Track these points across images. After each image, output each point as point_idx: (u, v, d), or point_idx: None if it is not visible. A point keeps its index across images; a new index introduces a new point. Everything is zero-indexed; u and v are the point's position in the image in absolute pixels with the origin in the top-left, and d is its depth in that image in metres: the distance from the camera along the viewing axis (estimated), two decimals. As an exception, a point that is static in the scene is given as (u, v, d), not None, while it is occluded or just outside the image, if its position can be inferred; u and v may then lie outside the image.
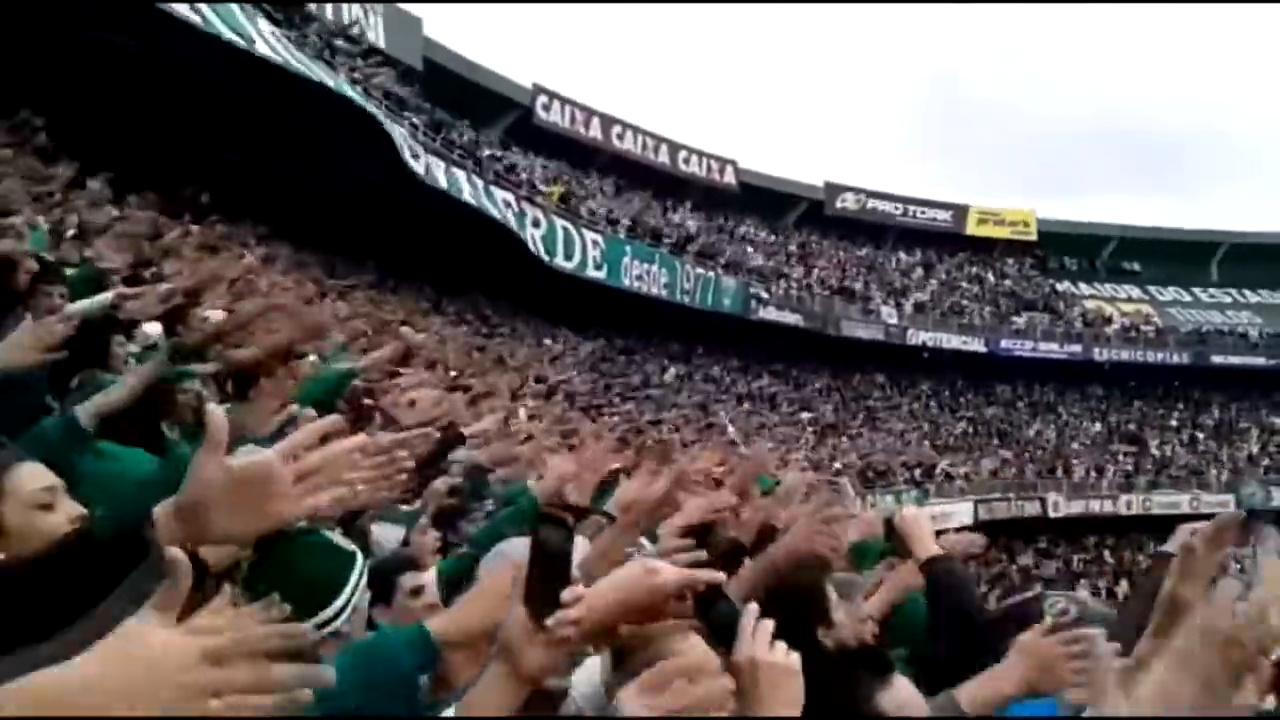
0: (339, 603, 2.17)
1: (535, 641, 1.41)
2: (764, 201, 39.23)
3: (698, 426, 23.10)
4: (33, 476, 1.86)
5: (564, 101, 33.45)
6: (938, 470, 31.63)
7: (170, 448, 2.86)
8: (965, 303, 39.87)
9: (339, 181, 19.84)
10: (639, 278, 29.66)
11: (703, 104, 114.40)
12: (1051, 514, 31.85)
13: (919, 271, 41.72)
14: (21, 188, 7.52)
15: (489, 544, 2.42)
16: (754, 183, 38.89)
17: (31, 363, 2.60)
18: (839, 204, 41.35)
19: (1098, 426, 38.10)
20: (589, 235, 28.34)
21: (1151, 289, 43.80)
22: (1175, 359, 39.36)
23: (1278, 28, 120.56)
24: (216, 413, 1.41)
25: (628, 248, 29.66)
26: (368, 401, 5.23)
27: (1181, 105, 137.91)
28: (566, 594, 1.40)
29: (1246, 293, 43.70)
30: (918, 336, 37.04)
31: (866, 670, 1.83)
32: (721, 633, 1.52)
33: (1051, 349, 38.89)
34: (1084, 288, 43.45)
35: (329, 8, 22.49)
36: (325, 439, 1.52)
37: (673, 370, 32.08)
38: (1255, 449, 36.59)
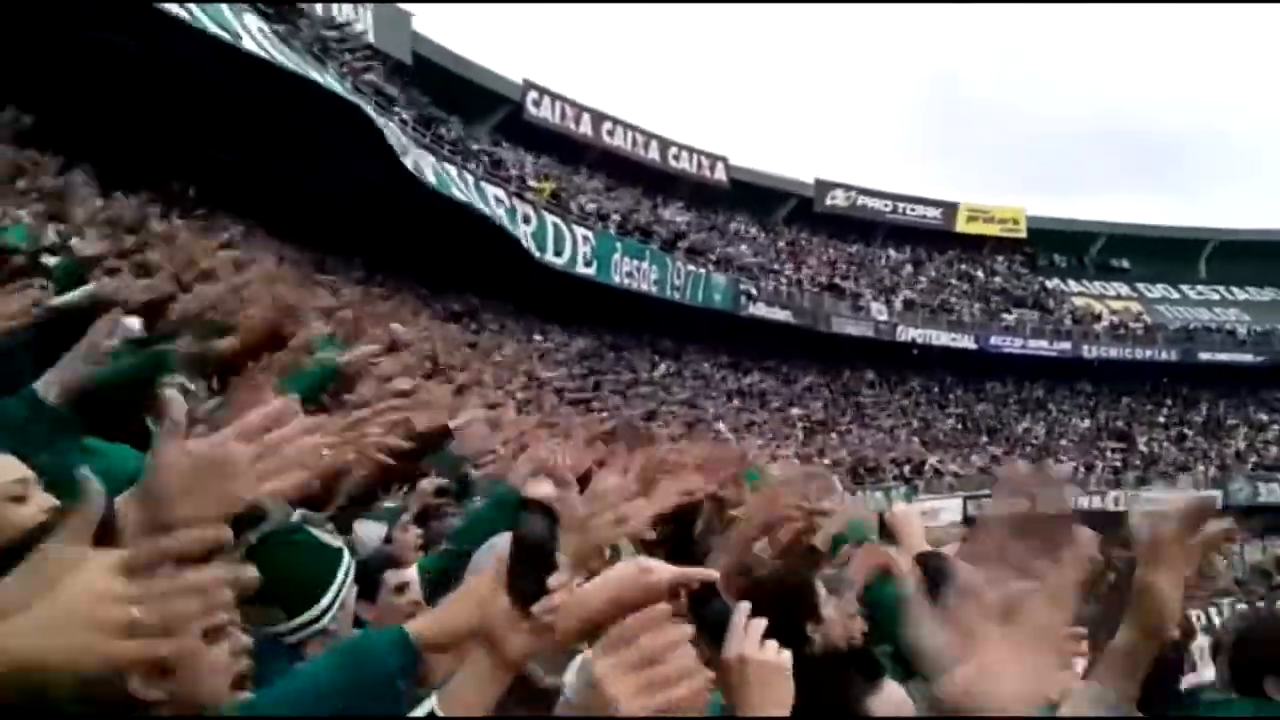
0: (326, 600, 2.16)
1: (519, 629, 1.41)
2: (754, 198, 39.26)
3: (686, 422, 23.08)
4: (3, 469, 1.84)
5: (554, 97, 33.40)
6: (927, 466, 31.70)
7: (155, 443, 2.83)
8: (955, 300, 39.95)
9: (328, 178, 19.77)
10: (629, 274, 29.66)
11: (693, 101, 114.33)
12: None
13: (909, 268, 41.79)
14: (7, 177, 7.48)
15: (469, 539, 2.40)
16: (744, 179, 38.91)
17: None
18: (829, 201, 41.40)
19: (1086, 423, 38.24)
20: (579, 231, 28.32)
21: (1140, 286, 43.95)
22: (1163, 356, 39.52)
23: (1278, 28, 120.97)
24: (175, 398, 1.40)
25: (618, 244, 29.65)
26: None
27: (1181, 105, 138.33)
28: (552, 580, 1.40)
29: (1234, 290, 43.88)
30: (907, 333, 37.12)
31: (856, 675, 1.83)
32: (714, 631, 1.52)
33: (1041, 346, 39.02)
34: (1073, 285, 43.58)
35: (318, 5, 22.37)
36: (281, 421, 1.51)
37: (663, 367, 32.08)
38: (1243, 445, 36.76)
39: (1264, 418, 38.54)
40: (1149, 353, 39.61)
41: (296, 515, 3.53)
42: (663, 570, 1.49)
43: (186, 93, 16.83)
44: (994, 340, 38.53)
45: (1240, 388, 39.41)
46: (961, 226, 43.36)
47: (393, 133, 20.74)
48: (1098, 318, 41.33)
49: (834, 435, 32.30)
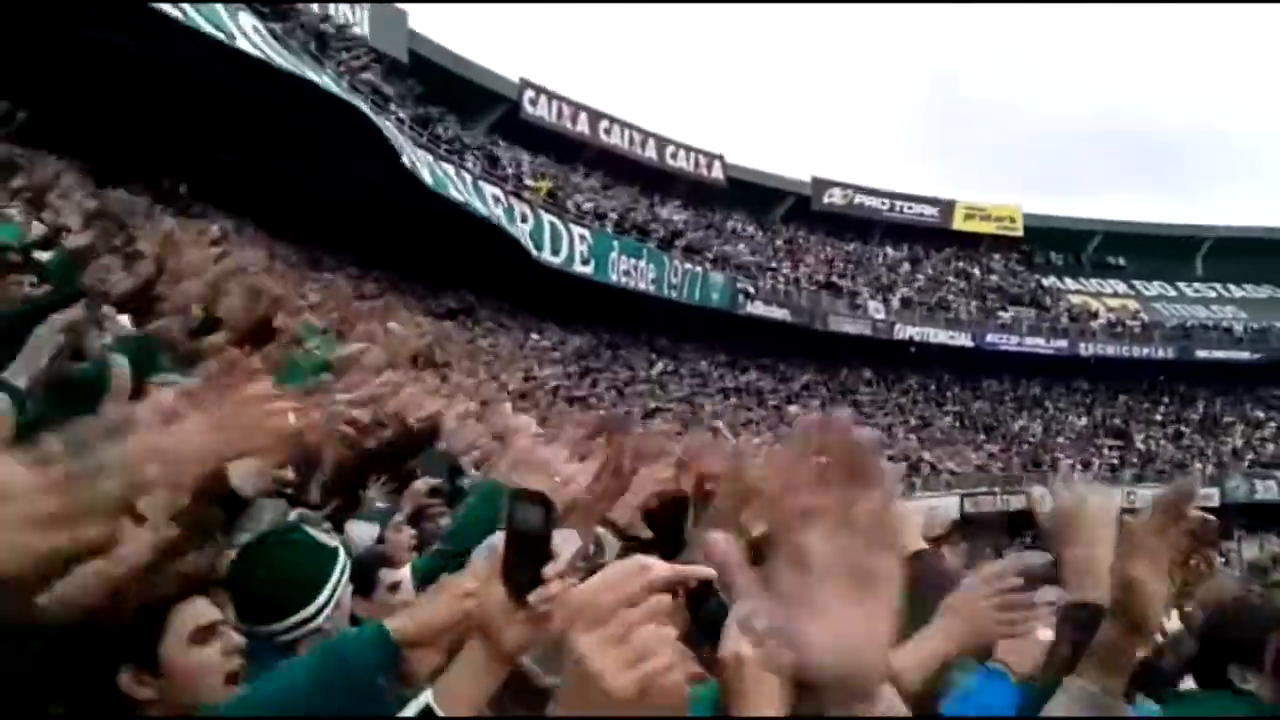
0: (321, 599, 2.16)
1: (514, 620, 1.41)
2: (751, 196, 39.26)
3: (682, 419, 23.07)
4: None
5: (551, 96, 33.39)
6: (924, 464, 31.71)
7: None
8: (952, 298, 39.97)
9: (325, 176, 19.75)
10: (626, 273, 29.64)
11: (690, 99, 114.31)
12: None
13: (906, 266, 41.80)
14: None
15: (461, 539, 2.39)
16: (741, 178, 38.90)
17: None
18: (826, 199, 41.41)
19: (1083, 421, 38.27)
20: (576, 230, 28.30)
21: (1137, 284, 43.99)
22: (1160, 354, 39.55)
23: (1278, 28, 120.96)
24: (121, 372, 1.40)
25: (615, 243, 29.64)
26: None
27: (1181, 105, 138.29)
28: (549, 569, 1.40)
29: (1231, 287, 43.93)
30: (905, 331, 37.13)
31: None
32: (712, 629, 1.52)
33: (1038, 344, 39.05)
34: (1070, 283, 43.61)
35: (314, 4, 22.32)
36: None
37: (660, 365, 32.07)
38: (1239, 443, 36.80)
39: (1261, 415, 38.59)
40: (1146, 350, 39.64)
41: (294, 515, 3.53)
42: (660, 568, 1.46)
43: (183, 92, 16.82)
44: (991, 338, 38.55)
45: (1237, 385, 39.45)
46: (958, 225, 43.38)
47: (390, 132, 20.72)
48: (1094, 315, 41.36)
49: (831, 433, 32.23)
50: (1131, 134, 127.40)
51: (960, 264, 42.78)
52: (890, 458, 31.33)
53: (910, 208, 43.07)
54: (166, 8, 15.02)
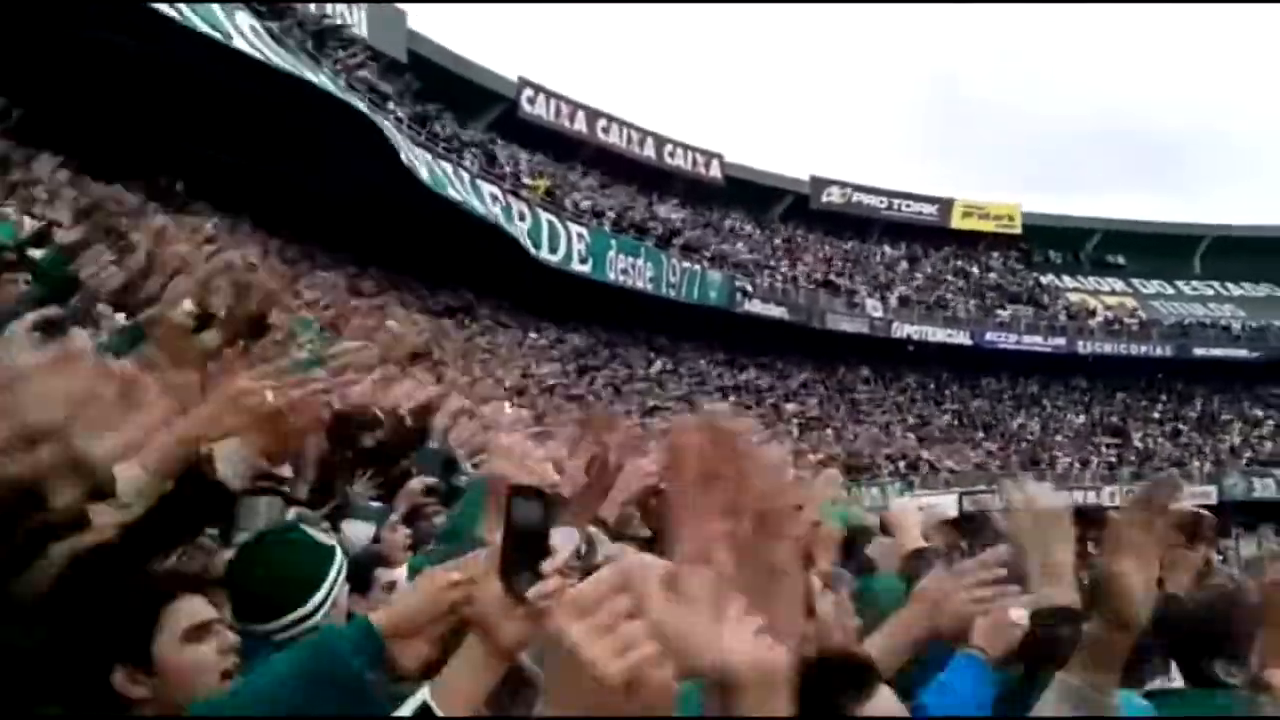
0: (318, 598, 2.16)
1: (513, 615, 1.41)
2: (749, 195, 39.26)
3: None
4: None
5: (549, 95, 33.38)
6: (922, 462, 31.73)
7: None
8: (950, 296, 39.99)
9: (324, 175, 19.74)
10: (624, 271, 29.64)
11: (689, 98, 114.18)
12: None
13: (904, 265, 41.82)
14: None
15: (456, 536, 2.39)
16: (739, 176, 38.89)
17: None
18: (824, 198, 41.41)
19: (1081, 419, 38.30)
20: (574, 229, 28.29)
21: (1135, 282, 44.01)
22: (1158, 352, 39.58)
23: (1278, 28, 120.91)
24: (79, 334, 1.41)
25: (613, 241, 29.63)
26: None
27: (1181, 105, 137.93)
28: (547, 565, 1.39)
29: (1229, 285, 43.97)
30: (903, 329, 37.14)
31: (850, 683, 1.82)
32: None
33: (1036, 342, 39.07)
34: (1068, 281, 43.63)
35: (311, 4, 22.27)
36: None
37: (658, 363, 32.07)
38: (1237, 441, 36.83)
39: (1259, 413, 38.62)
40: (1144, 348, 39.68)
41: (292, 514, 3.53)
42: (660, 567, 1.49)
43: (180, 90, 16.80)
44: (989, 336, 38.57)
45: (1235, 383, 39.48)
46: (957, 223, 43.39)
47: (389, 130, 20.71)
48: (1093, 313, 41.39)
49: (829, 431, 32.29)
50: (1131, 134, 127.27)
51: (959, 262, 42.79)
52: (888, 456, 31.51)
53: (908, 206, 43.07)
54: (163, 7, 15.00)
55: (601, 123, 35.08)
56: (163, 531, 1.85)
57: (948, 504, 28.94)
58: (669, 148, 37.32)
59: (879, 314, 37.21)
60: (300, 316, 7.01)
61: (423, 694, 1.40)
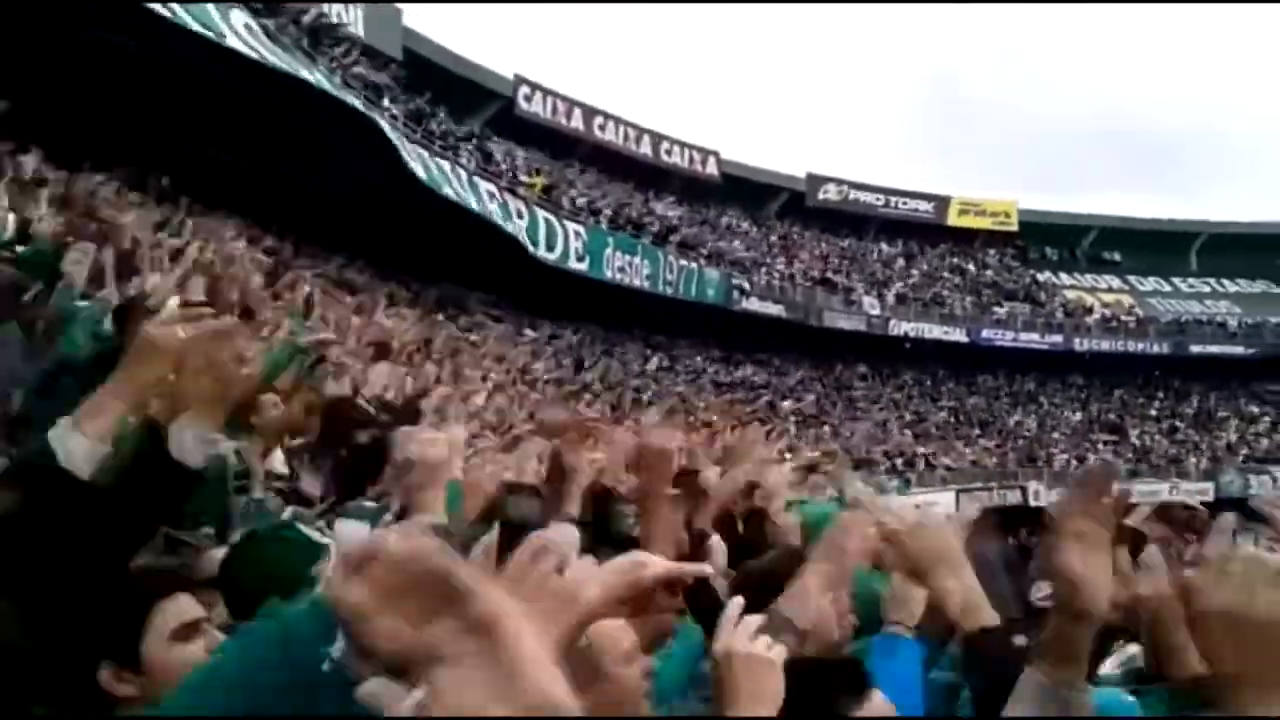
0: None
1: None
2: (746, 192, 39.26)
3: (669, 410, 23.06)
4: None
5: (546, 92, 33.35)
6: (919, 459, 31.76)
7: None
8: (947, 293, 40.02)
9: (321, 174, 19.68)
10: (621, 269, 29.62)
11: (685, 95, 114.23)
12: (1033, 503, 31.99)
13: (901, 262, 41.84)
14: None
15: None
16: (736, 174, 38.88)
17: None
18: (821, 195, 41.42)
19: (1078, 416, 38.34)
20: (571, 227, 28.26)
21: (1131, 279, 44.06)
22: (1155, 349, 39.64)
23: (1278, 28, 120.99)
24: None
25: (610, 239, 29.61)
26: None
27: (1181, 105, 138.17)
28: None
29: (1225, 282, 44.02)
30: (899, 327, 37.17)
31: (847, 685, 1.82)
32: (711, 625, 1.53)
33: (1032, 339, 39.11)
34: (1064, 278, 43.67)
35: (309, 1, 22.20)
36: None
37: (655, 361, 32.06)
38: (1234, 438, 36.87)
39: (1255, 410, 38.67)
40: (1140, 345, 39.73)
41: (288, 513, 3.52)
42: (656, 564, 1.48)
43: (174, 88, 16.75)
44: (986, 333, 38.62)
45: (1231, 380, 39.53)
46: (953, 220, 43.41)
47: (386, 128, 20.67)
48: (1089, 310, 41.44)
49: (826, 428, 32.31)
50: (1131, 134, 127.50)
51: (955, 259, 42.82)
52: (885, 453, 31.53)
53: (905, 203, 43.09)
54: (155, 6, 14.94)
55: (598, 120, 35.06)
56: (126, 514, 1.83)
57: (945, 501, 29.06)
58: (665, 145, 37.30)
59: (876, 311, 37.22)
60: (291, 307, 7.01)
61: (419, 693, 1.39)
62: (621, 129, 35.84)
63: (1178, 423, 37.99)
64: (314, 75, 18.56)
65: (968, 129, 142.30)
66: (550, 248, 27.31)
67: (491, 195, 25.09)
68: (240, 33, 16.53)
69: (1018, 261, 43.90)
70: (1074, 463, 34.01)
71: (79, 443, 1.79)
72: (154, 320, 2.03)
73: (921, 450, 32.57)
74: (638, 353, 32.01)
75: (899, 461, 31.34)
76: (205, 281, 4.41)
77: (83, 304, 4.00)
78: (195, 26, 15.46)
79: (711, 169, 38.27)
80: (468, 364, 12.55)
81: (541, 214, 27.20)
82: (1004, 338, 38.81)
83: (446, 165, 23.38)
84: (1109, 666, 2.65)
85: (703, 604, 2.11)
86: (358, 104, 19.85)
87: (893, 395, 37.33)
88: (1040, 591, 2.72)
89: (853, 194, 42.03)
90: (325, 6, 22.71)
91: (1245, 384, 39.50)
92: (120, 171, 13.39)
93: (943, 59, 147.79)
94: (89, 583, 1.77)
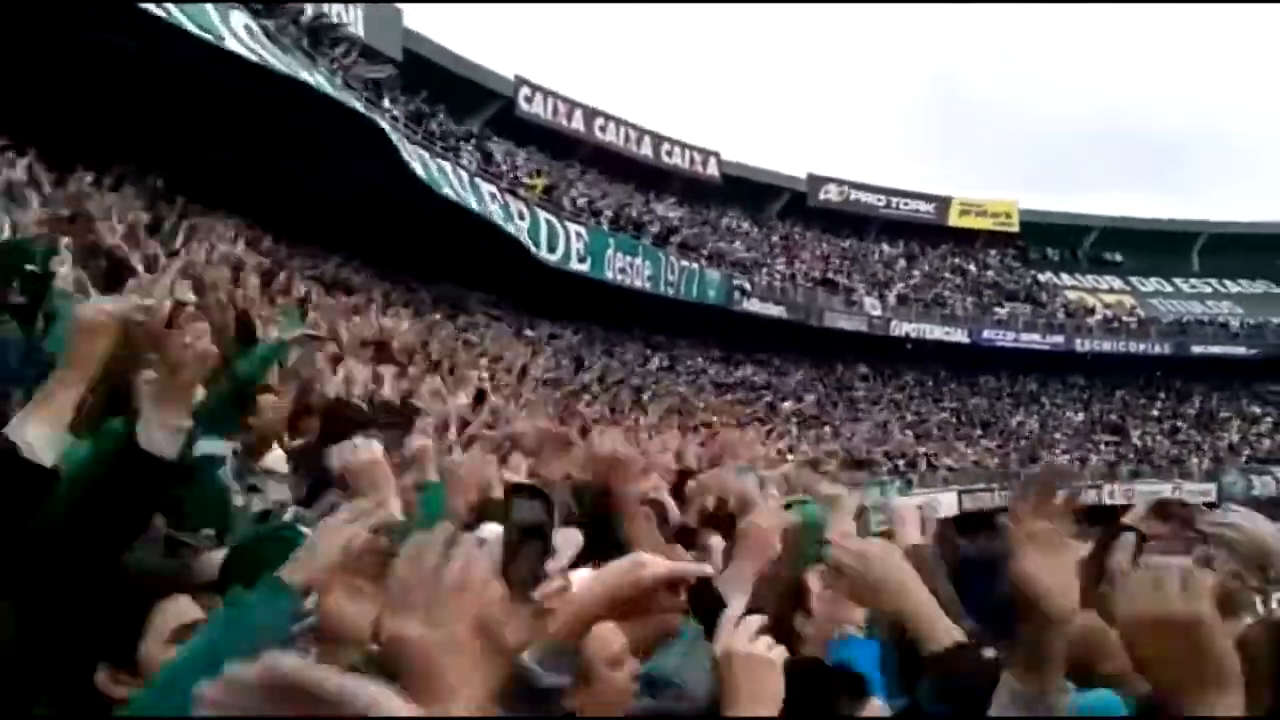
0: (313, 598, 2.13)
1: (516, 615, 1.38)
2: (747, 193, 39.29)
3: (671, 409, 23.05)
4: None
5: (546, 93, 33.38)
6: (920, 460, 31.75)
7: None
8: (948, 294, 40.03)
9: (322, 175, 19.69)
10: (622, 270, 29.64)
11: (686, 96, 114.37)
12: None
13: (902, 263, 41.86)
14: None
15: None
16: (737, 174, 38.90)
17: None
18: (822, 195, 41.45)
19: (1080, 416, 38.34)
20: (572, 228, 28.28)
21: (1133, 279, 44.08)
22: (1156, 349, 39.64)
23: (1278, 28, 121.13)
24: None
25: (611, 240, 29.62)
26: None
27: (1181, 105, 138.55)
28: (551, 564, 1.40)
29: (1227, 283, 44.02)
30: (901, 327, 37.19)
31: (846, 688, 1.81)
32: (713, 625, 1.53)
33: (1034, 339, 39.12)
34: (1065, 278, 43.68)
35: (308, 3, 22.19)
36: None
37: (655, 361, 32.07)
38: (1236, 438, 36.86)
39: (1257, 410, 38.66)
40: (1142, 346, 39.74)
41: (289, 514, 3.51)
42: (658, 565, 1.50)
43: (172, 88, 16.71)
44: (987, 334, 38.63)
45: (1233, 380, 39.53)
46: (954, 221, 43.43)
47: (388, 129, 20.68)
48: (1090, 311, 41.44)
49: (827, 429, 32.31)
50: (1131, 134, 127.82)
51: (956, 260, 42.83)
52: (887, 453, 31.51)
53: (906, 204, 43.12)
54: (151, 6, 14.89)
55: (599, 121, 35.09)
56: (106, 514, 1.82)
57: (947, 502, 29.05)
58: (666, 146, 37.33)
59: (877, 312, 37.24)
60: (285, 307, 7.02)
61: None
62: (622, 130, 35.87)
63: (1179, 423, 37.99)
64: (314, 77, 18.55)
65: (967, 129, 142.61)
66: (552, 249, 27.33)
67: (493, 196, 25.10)
68: (240, 34, 16.50)
69: (1019, 262, 43.91)
70: (1076, 463, 34.00)
71: (37, 432, 1.79)
72: (82, 305, 2.06)
73: (923, 451, 32.56)
74: (638, 353, 32.02)
75: (900, 462, 31.33)
76: (192, 283, 4.43)
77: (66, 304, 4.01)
78: (194, 29, 15.42)
79: (712, 170, 38.30)
80: (466, 364, 12.54)
81: (543, 215, 27.22)
82: (1005, 338, 38.82)
83: (447, 166, 23.39)
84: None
85: (704, 604, 2.11)
86: (358, 105, 19.86)
87: (894, 396, 37.33)
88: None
89: (854, 195, 42.06)
90: (325, 6, 22.72)
91: (1247, 384, 39.49)
92: (117, 170, 13.40)
93: (943, 59, 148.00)
94: (76, 579, 1.76)
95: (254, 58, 16.62)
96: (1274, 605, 2.33)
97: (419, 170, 21.74)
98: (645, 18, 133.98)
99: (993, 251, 43.81)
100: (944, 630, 1.76)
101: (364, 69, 22.32)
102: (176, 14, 15.14)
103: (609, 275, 29.19)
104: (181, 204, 13.37)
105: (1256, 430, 37.40)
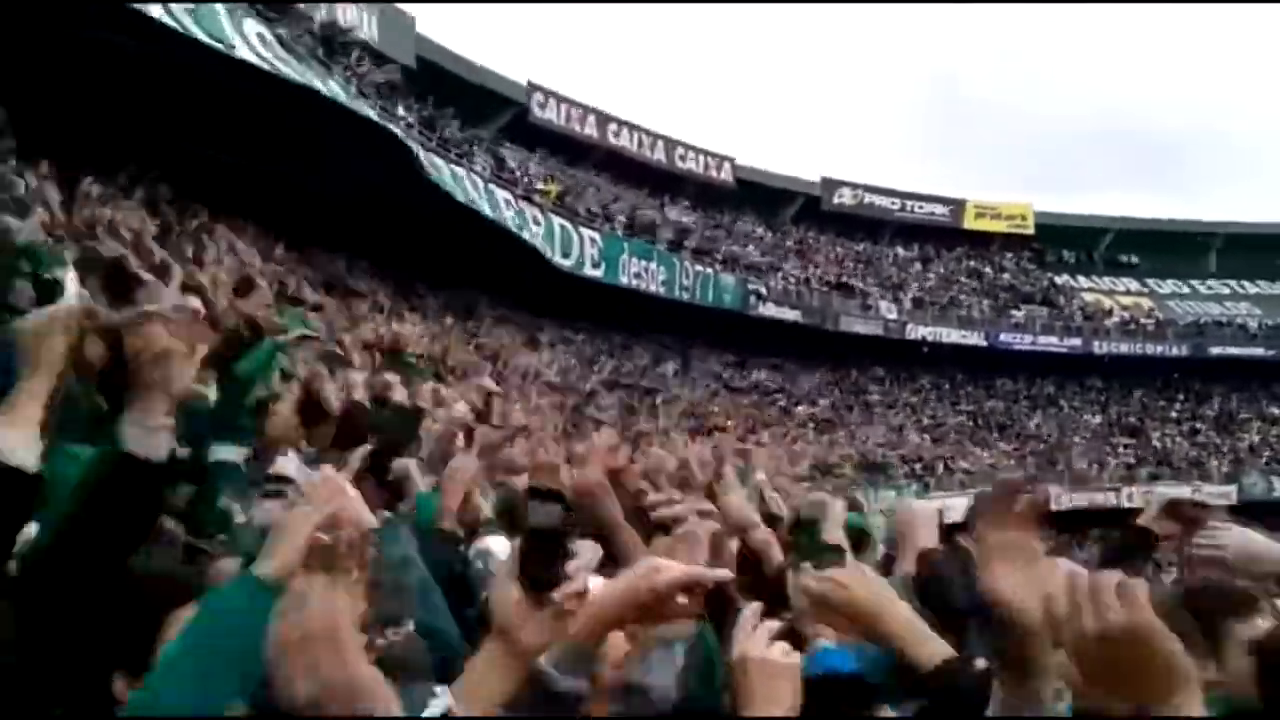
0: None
1: (533, 618, 1.41)
2: (760, 198, 39.24)
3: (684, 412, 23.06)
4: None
5: (560, 99, 33.43)
6: (937, 463, 31.64)
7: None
8: (963, 297, 39.87)
9: (333, 180, 19.74)
10: (637, 275, 29.65)
11: (699, 101, 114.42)
12: (1053, 507, 31.84)
13: (917, 266, 41.71)
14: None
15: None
16: (750, 179, 38.88)
17: None
18: (836, 199, 41.36)
19: (1098, 419, 38.13)
20: (586, 233, 28.31)
21: (1150, 281, 43.81)
22: (1174, 351, 39.37)
23: (1278, 28, 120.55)
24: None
25: (625, 245, 29.64)
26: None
27: (1181, 105, 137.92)
28: (569, 567, 1.42)
29: (1245, 284, 43.71)
30: (916, 331, 37.05)
31: (851, 699, 1.81)
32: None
33: (1051, 342, 38.92)
34: (1082, 281, 43.44)
35: (322, 7, 22.29)
36: None
37: (670, 366, 32.07)
38: (1256, 439, 36.61)
39: (1277, 411, 38.38)
40: (1160, 348, 39.48)
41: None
42: (675, 570, 1.50)
43: (180, 91, 16.71)
44: (1003, 337, 38.45)
45: (1252, 382, 39.24)
46: (969, 224, 43.27)
47: (402, 135, 20.74)
48: (1108, 313, 41.21)
49: (843, 433, 32.25)
50: (1132, 134, 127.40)
51: (972, 263, 42.65)
52: (903, 457, 31.43)
53: (921, 207, 42.99)
54: (154, 9, 14.91)
55: (612, 127, 35.12)
56: (106, 519, 1.82)
57: (962, 506, 28.90)
58: (680, 151, 37.32)
59: (892, 316, 37.12)
60: (291, 310, 7.05)
61: (445, 698, 1.40)
62: (635, 135, 35.89)
63: (1199, 425, 37.74)
64: (328, 85, 18.60)
65: (968, 129, 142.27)
66: (566, 254, 27.37)
67: (508, 202, 25.15)
68: (253, 42, 16.55)
69: (1035, 264, 43.70)
70: (1094, 466, 33.83)
71: (12, 436, 1.78)
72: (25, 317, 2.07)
73: (939, 454, 32.43)
74: (653, 358, 32.02)
75: (917, 466, 31.23)
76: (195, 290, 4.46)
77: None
78: (203, 38, 15.46)
79: (726, 174, 38.27)
80: (477, 369, 12.57)
81: (557, 221, 27.26)
82: (1022, 341, 38.63)
83: (461, 171, 23.45)
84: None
85: (719, 609, 2.10)
86: (372, 113, 19.91)
87: (909, 399, 37.21)
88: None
89: (868, 198, 41.95)
90: (339, 12, 22.81)
91: (1266, 385, 39.19)
92: (124, 175, 13.47)
93: (943, 59, 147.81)
94: (85, 587, 1.77)
95: (266, 66, 16.68)
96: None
97: (436, 177, 21.80)
98: (656, 24, 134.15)
99: (1008, 254, 43.61)
100: (928, 649, 1.75)
101: (374, 74, 22.39)
102: (188, 22, 15.19)
103: (624, 280, 29.20)
104: (191, 209, 13.43)
105: (1276, 431, 37.13)
